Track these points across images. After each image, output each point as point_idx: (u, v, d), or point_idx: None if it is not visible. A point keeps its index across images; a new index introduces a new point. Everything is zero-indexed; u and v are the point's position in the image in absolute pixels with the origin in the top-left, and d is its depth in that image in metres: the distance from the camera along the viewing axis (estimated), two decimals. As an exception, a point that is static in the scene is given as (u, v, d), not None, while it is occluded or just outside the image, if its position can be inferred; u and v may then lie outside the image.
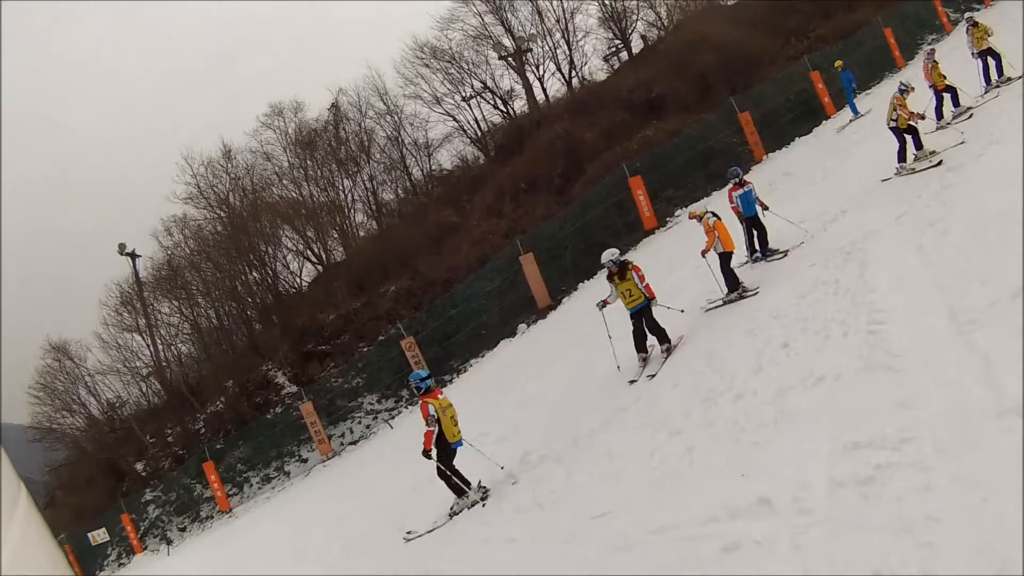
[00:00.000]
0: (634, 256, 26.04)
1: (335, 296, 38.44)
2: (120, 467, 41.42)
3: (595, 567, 6.95)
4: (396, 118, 46.82)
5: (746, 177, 16.60)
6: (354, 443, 27.76)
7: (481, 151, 46.12)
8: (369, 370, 30.15)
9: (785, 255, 14.75)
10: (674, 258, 21.73)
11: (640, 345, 13.75)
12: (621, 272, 13.85)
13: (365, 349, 33.02)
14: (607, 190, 28.48)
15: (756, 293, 13.36)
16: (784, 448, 6.94)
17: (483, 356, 27.12)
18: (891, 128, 16.43)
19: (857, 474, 5.76)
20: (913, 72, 22.25)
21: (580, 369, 17.16)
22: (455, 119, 46.06)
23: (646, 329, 13.64)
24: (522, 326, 27.36)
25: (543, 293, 27.40)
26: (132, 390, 48.12)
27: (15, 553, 2.58)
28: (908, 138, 16.13)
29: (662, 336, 13.50)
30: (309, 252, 46.28)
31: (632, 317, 13.85)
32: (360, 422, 29.08)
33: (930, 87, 18.58)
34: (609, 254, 14.45)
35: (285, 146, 47.37)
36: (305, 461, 29.67)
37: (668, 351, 13.35)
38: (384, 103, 46.64)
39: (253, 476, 31.23)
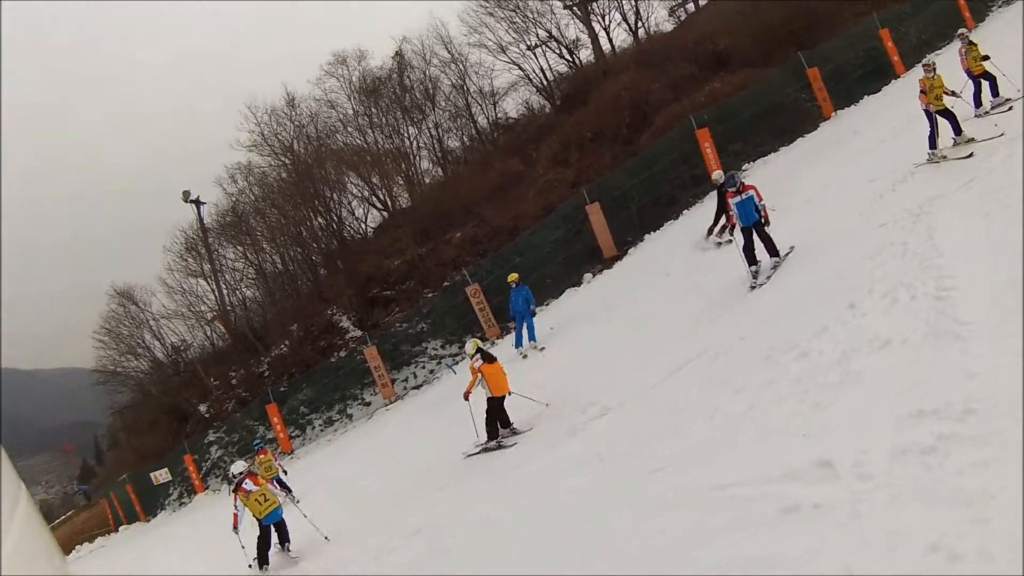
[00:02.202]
0: (700, 209, 25.96)
1: (400, 242, 38.58)
2: (184, 409, 42.18)
3: (650, 522, 6.95)
4: (461, 66, 46.71)
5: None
6: (417, 387, 27.94)
7: (547, 100, 45.88)
8: (433, 316, 30.34)
9: (776, 266, 14.46)
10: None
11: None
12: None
13: (430, 295, 33.19)
14: (674, 142, 28.22)
15: (515, 445, 13.35)
16: (847, 411, 6.88)
17: (547, 304, 27.17)
18: (925, 111, 15.41)
19: (919, 443, 5.70)
20: (985, 34, 21.40)
21: (643, 320, 17.20)
22: (520, 68, 45.85)
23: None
24: (587, 275, 27.37)
25: (609, 243, 27.36)
26: (196, 334, 48.88)
27: (15, 553, 2.56)
28: (945, 122, 15.29)
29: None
30: (374, 199, 46.44)
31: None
32: (424, 367, 29.31)
33: (965, 72, 17.30)
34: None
35: (349, 94, 47.46)
36: (368, 404, 29.99)
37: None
38: (448, 51, 46.56)
39: (316, 419, 31.66)
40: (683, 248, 22.12)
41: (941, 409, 5.98)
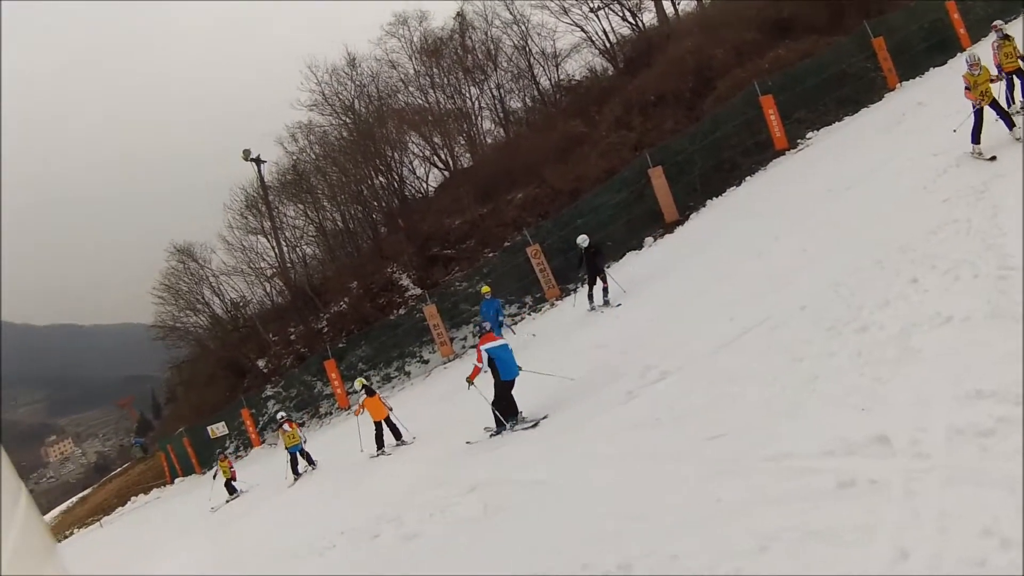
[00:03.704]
0: (763, 176, 25.84)
1: (461, 202, 38.75)
2: (242, 364, 42.83)
3: (706, 488, 7.02)
4: (523, 28, 46.57)
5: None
6: (475, 346, 27.96)
7: (610, 63, 45.61)
8: (493, 276, 30.44)
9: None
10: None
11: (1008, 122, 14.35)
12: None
13: (490, 255, 33.34)
14: (738, 108, 28.08)
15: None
16: (906, 387, 6.88)
17: (608, 267, 27.22)
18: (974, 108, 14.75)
19: (977, 424, 5.68)
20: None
21: (704, 286, 17.20)
22: (583, 30, 45.65)
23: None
24: (648, 239, 27.43)
25: (671, 207, 27.37)
26: (256, 290, 49.79)
27: (15, 553, 2.58)
28: (993, 115, 14.66)
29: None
30: (436, 158, 46.63)
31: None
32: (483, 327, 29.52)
33: (996, 68, 16.12)
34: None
35: (410, 54, 47.69)
36: (426, 362, 30.35)
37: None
38: (510, 12, 46.45)
39: (374, 375, 32.00)
40: (744, 216, 22.09)
41: (1000, 391, 5.97)
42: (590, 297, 21.95)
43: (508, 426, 13.97)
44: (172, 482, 43.33)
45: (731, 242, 20.21)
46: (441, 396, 22.80)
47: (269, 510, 19.66)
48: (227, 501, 24.41)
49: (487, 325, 15.87)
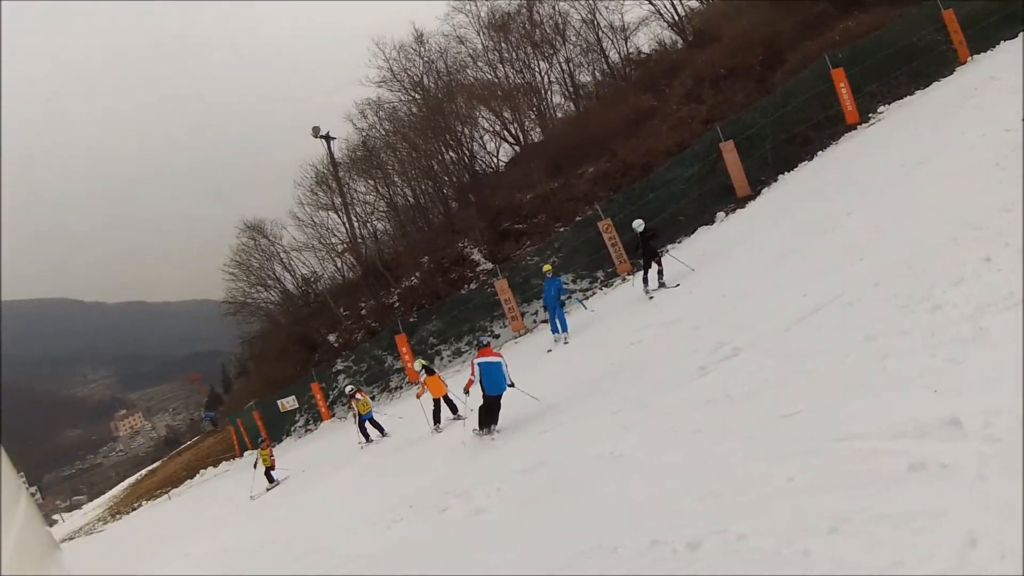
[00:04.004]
0: (835, 151, 25.61)
1: (532, 176, 38.89)
2: (312, 339, 43.56)
3: (777, 467, 7.02)
4: (591, 1, 46.31)
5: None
6: (546, 321, 27.95)
7: (679, 36, 45.32)
8: (564, 250, 30.67)
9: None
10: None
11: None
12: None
13: (561, 229, 33.51)
14: (808, 81, 27.90)
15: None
16: (978, 369, 6.80)
17: (680, 242, 27.27)
18: None
19: None
20: None
21: (777, 261, 17.19)
22: (651, 3, 45.39)
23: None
24: (720, 214, 27.42)
25: (742, 182, 27.30)
26: (327, 265, 50.75)
27: (15, 553, 2.62)
28: None
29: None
30: (506, 133, 46.80)
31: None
32: (555, 300, 29.69)
33: None
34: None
35: (478, 29, 47.88)
36: (497, 336, 30.64)
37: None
38: (578, -15, 46.16)
39: (444, 349, 32.48)
40: (816, 190, 21.94)
41: None
42: (645, 280, 22.11)
43: (483, 432, 15.40)
44: (241, 455, 44.38)
45: (803, 217, 20.14)
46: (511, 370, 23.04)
47: (337, 482, 20.09)
48: (267, 490, 24.86)
49: (485, 340, 17.03)
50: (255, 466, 25.86)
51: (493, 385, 15.20)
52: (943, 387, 6.84)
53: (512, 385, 15.52)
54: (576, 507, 9.00)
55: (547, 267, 23.72)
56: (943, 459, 5.67)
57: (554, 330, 22.60)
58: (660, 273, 21.89)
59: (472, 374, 15.66)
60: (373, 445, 23.08)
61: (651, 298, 21.48)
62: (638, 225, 22.24)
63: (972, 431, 5.85)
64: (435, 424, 19.62)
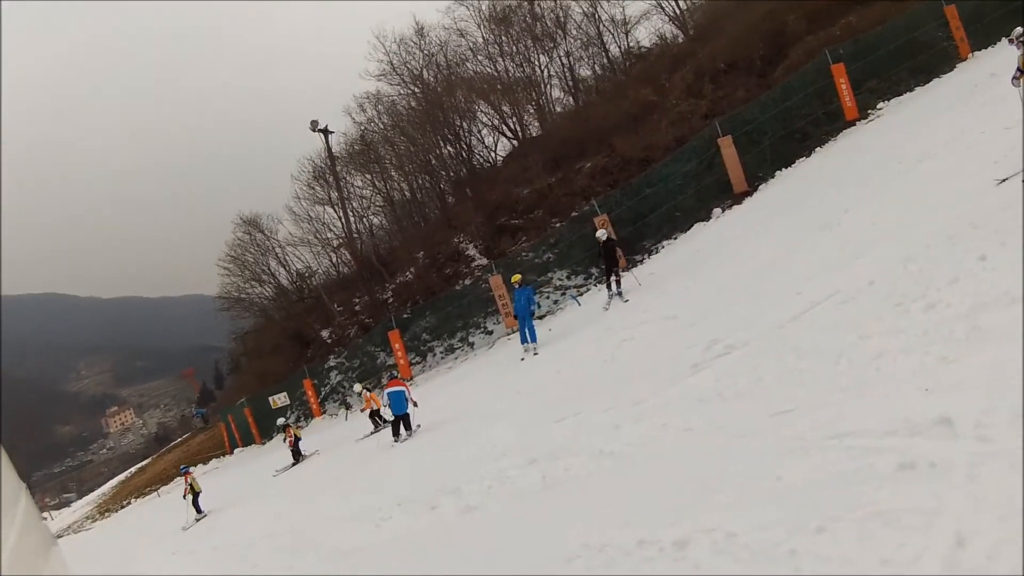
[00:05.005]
0: (834, 147, 25.59)
1: (530, 171, 38.88)
2: (306, 334, 43.56)
3: (768, 465, 6.98)
4: (593, -6, 46.29)
5: None
6: (540, 317, 28.04)
7: (680, 30, 45.34)
8: (561, 246, 30.64)
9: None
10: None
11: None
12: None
13: (558, 225, 33.47)
14: (809, 76, 27.98)
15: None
16: (972, 368, 6.78)
17: (676, 238, 27.31)
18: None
19: None
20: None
21: (772, 258, 17.18)
22: (654, -4, 45.25)
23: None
24: (717, 210, 27.44)
25: (740, 178, 27.30)
26: (322, 261, 50.86)
27: (15, 553, 2.59)
28: None
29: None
30: (504, 127, 46.79)
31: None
32: (548, 297, 29.70)
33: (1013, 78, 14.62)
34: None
35: (479, 23, 47.85)
36: (490, 333, 30.64)
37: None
38: (581, -23, 46.13)
39: (437, 346, 32.44)
40: (814, 187, 21.93)
41: None
42: (609, 286, 22.67)
43: (396, 440, 19.52)
44: (232, 452, 44.21)
45: (800, 214, 20.12)
46: (501, 368, 23.15)
47: (327, 479, 19.99)
48: (196, 520, 23.09)
49: (395, 372, 23.35)
50: (184, 496, 24.23)
51: (398, 407, 19.49)
52: (935, 386, 6.81)
53: (416, 405, 19.66)
54: (566, 505, 8.95)
55: (516, 277, 23.58)
56: (933, 458, 5.66)
57: (523, 340, 22.45)
58: (617, 283, 22.35)
59: (376, 402, 22.90)
60: (368, 444, 22.84)
61: (626, 300, 21.76)
62: (601, 235, 22.70)
63: (963, 431, 5.83)
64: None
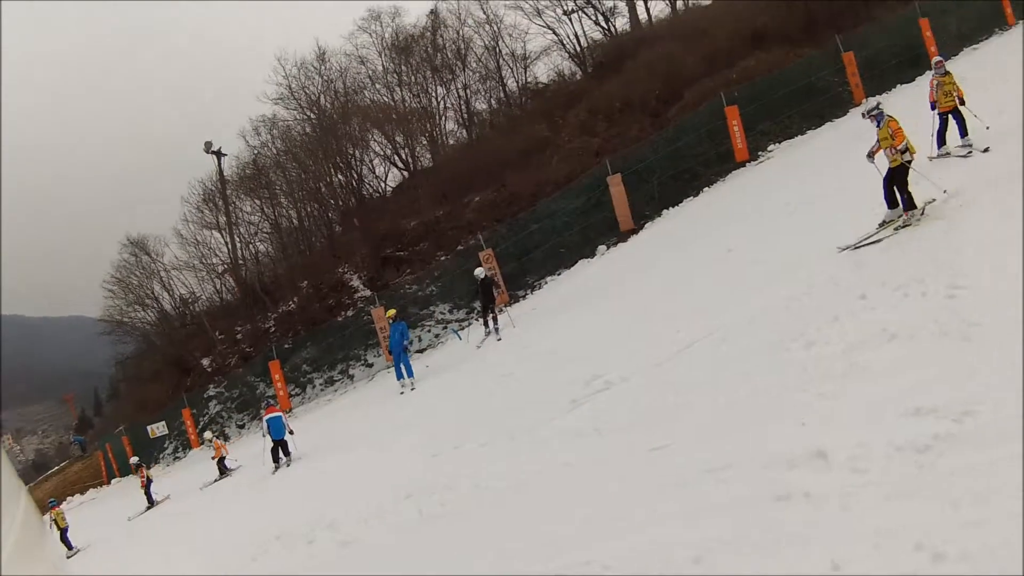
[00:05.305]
0: (722, 187, 25.89)
1: (418, 203, 38.66)
2: (186, 362, 42.41)
3: (646, 499, 6.91)
4: (495, 28, 46.75)
5: None
6: (421, 351, 27.89)
7: (579, 67, 45.93)
8: (444, 279, 30.50)
9: None
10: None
11: (889, 200, 12.94)
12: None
13: (443, 258, 33.27)
14: (702, 118, 28.40)
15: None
16: (848, 403, 6.86)
17: (559, 275, 27.29)
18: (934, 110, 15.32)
19: (915, 441, 5.66)
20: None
21: (654, 296, 17.31)
22: (555, 32, 45.97)
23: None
24: (602, 248, 27.51)
25: (627, 216, 27.42)
26: (206, 287, 49.67)
27: (15, 553, 2.56)
28: (953, 123, 15.25)
29: (907, 202, 12.60)
30: (396, 157, 46.67)
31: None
32: (430, 330, 29.45)
33: (931, 105, 15.91)
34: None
35: (380, 51, 47.75)
36: (371, 366, 30.31)
37: (905, 220, 12.51)
38: (484, 12, 46.69)
39: (317, 378, 31.99)
40: (698, 227, 22.14)
41: (940, 408, 5.96)
42: (485, 323, 22.53)
43: (275, 467, 19.70)
44: (109, 482, 42.60)
45: (684, 253, 20.41)
46: (380, 401, 22.81)
47: (199, 515, 19.35)
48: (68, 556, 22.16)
49: (271, 401, 23.14)
50: (50, 527, 22.52)
51: (276, 432, 19.91)
52: (812, 421, 6.84)
53: (292, 432, 20.10)
54: (443, 539, 8.73)
55: (390, 312, 23.26)
56: (807, 489, 5.65)
57: (399, 376, 21.96)
58: (495, 319, 22.25)
59: (225, 449, 23.65)
60: (239, 478, 22.41)
61: (499, 339, 21.56)
62: (479, 273, 22.63)
63: (837, 463, 5.88)
64: (274, 463, 20.14)
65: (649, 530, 6.23)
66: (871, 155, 13.30)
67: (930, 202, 12.31)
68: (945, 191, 12.33)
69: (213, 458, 23.94)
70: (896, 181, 12.54)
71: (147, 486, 23.95)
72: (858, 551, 4.63)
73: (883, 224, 12.57)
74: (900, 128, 12.76)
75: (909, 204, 12.33)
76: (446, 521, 9.29)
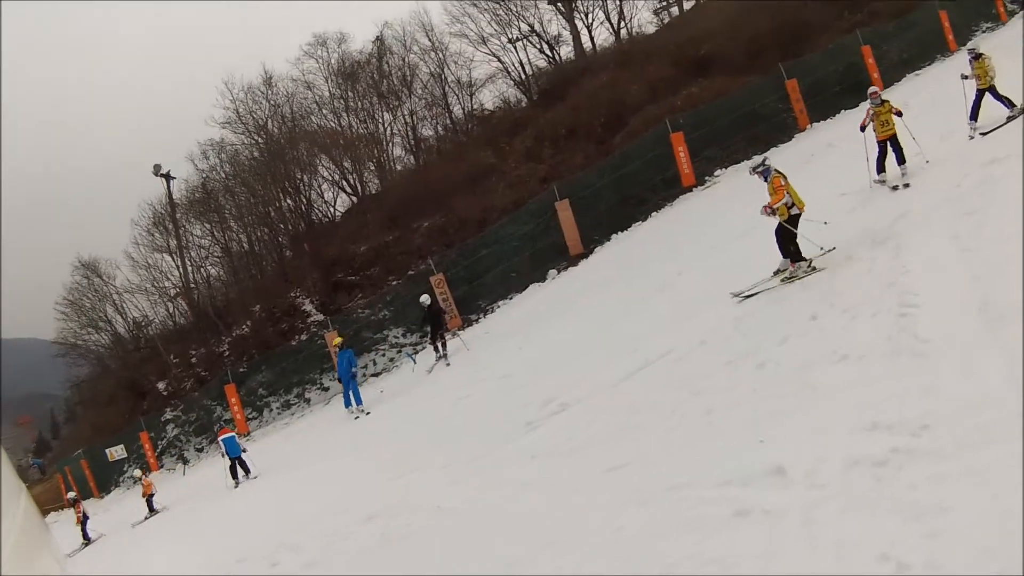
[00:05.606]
0: (669, 211, 26.18)
1: (368, 228, 38.56)
2: (142, 385, 41.86)
3: (606, 517, 7.00)
4: (440, 55, 46.73)
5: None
6: (376, 375, 27.93)
7: (524, 94, 46.01)
8: (397, 304, 30.36)
9: None
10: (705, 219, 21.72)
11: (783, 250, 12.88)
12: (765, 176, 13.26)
13: (394, 283, 33.17)
14: (648, 144, 28.56)
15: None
16: (803, 421, 6.98)
17: (511, 299, 27.35)
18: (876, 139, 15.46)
19: (873, 455, 5.76)
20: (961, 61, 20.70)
21: (606, 319, 17.33)
22: (500, 60, 46.02)
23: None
24: (552, 272, 27.56)
25: (576, 241, 27.55)
26: (159, 310, 48.74)
27: (15, 553, 2.59)
28: (891, 151, 15.43)
29: (793, 255, 12.55)
30: (345, 183, 46.45)
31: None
32: (384, 355, 29.32)
33: (861, 130, 16.19)
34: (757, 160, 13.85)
35: (327, 76, 47.44)
36: (326, 389, 30.08)
37: (788, 275, 12.57)
38: (429, 39, 46.56)
39: (273, 401, 31.65)
40: (648, 250, 22.31)
41: (896, 424, 6.07)
42: (436, 348, 22.74)
43: (235, 482, 20.49)
44: (70, 506, 42.00)
45: (635, 276, 20.44)
46: (338, 424, 22.64)
47: (161, 536, 19.05)
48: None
49: (223, 424, 24.65)
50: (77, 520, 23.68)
51: (232, 451, 20.84)
52: (768, 438, 6.95)
53: (245, 451, 21.14)
54: (405, 561, 8.80)
55: (338, 339, 23.37)
56: (766, 506, 5.75)
57: (347, 403, 21.97)
58: (444, 345, 22.47)
59: (153, 487, 23.50)
60: (201, 501, 21.78)
61: (448, 365, 21.75)
62: (425, 299, 23.12)
63: (796, 478, 5.97)
64: (234, 480, 20.89)
65: (612, 548, 6.35)
66: (765, 210, 13.05)
67: (821, 254, 12.27)
68: (822, 248, 12.27)
69: (143, 495, 23.39)
70: (783, 234, 12.65)
71: (83, 523, 23.53)
72: (821, 563, 4.74)
73: (776, 273, 12.75)
74: (782, 186, 12.66)
75: (796, 257, 12.44)
76: (408, 543, 9.35)
